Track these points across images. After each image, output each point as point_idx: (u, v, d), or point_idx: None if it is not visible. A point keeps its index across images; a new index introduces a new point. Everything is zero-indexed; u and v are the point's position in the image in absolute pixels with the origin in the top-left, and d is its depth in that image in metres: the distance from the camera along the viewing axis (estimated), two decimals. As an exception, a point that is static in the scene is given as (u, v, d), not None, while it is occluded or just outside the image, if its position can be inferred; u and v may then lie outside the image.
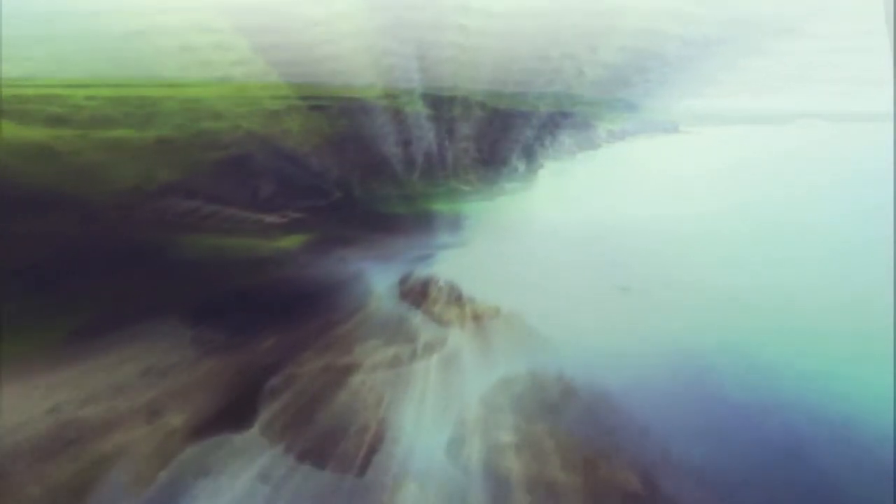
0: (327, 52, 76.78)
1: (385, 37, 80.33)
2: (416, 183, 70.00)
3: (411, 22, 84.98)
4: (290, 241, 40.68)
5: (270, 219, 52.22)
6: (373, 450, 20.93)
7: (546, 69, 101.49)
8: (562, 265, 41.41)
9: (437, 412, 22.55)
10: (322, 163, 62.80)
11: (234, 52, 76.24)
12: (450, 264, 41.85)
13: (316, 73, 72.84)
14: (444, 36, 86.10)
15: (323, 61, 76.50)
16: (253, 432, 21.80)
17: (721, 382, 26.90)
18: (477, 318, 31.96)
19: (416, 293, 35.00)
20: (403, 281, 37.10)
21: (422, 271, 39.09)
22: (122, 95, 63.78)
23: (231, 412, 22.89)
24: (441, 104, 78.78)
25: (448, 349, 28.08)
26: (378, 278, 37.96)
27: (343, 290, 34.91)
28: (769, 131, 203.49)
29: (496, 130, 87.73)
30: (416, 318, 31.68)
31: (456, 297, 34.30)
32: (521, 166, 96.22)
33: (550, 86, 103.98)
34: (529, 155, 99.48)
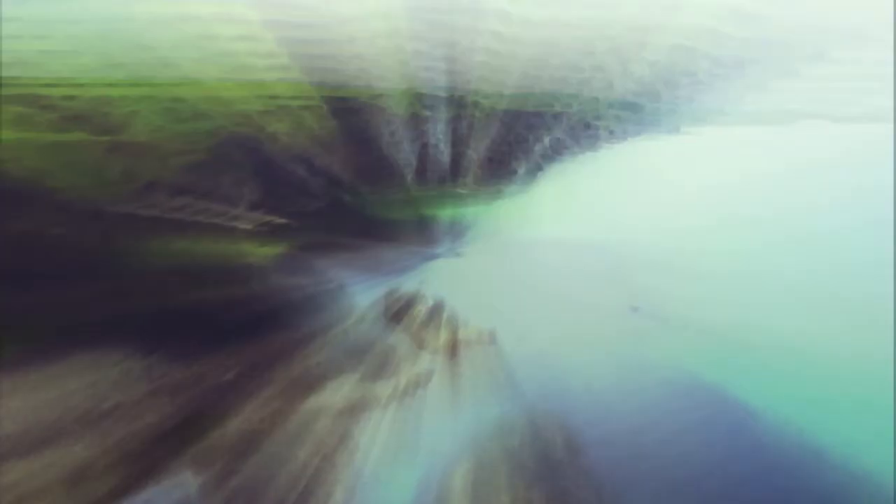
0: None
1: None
2: (410, 186, 66.07)
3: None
4: (267, 251, 36.77)
5: (247, 226, 48.38)
6: (337, 522, 17.10)
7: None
8: (564, 280, 37.47)
9: (418, 472, 18.74)
10: (311, 165, 58.94)
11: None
12: (441, 278, 37.91)
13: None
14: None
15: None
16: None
17: (747, 428, 23.00)
18: (469, 344, 28.07)
19: (402, 313, 31.10)
20: (388, 298, 33.17)
21: (409, 286, 35.18)
22: (104, 95, 59.78)
23: (170, 471, 19.05)
24: (437, 104, 74.86)
25: (434, 385, 24.24)
26: (360, 294, 34.05)
27: (320, 308, 31.02)
28: (772, 132, 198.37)
29: (494, 131, 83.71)
30: (400, 345, 27.79)
31: (446, 319, 30.40)
32: (521, 168, 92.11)
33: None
34: (529, 156, 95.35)
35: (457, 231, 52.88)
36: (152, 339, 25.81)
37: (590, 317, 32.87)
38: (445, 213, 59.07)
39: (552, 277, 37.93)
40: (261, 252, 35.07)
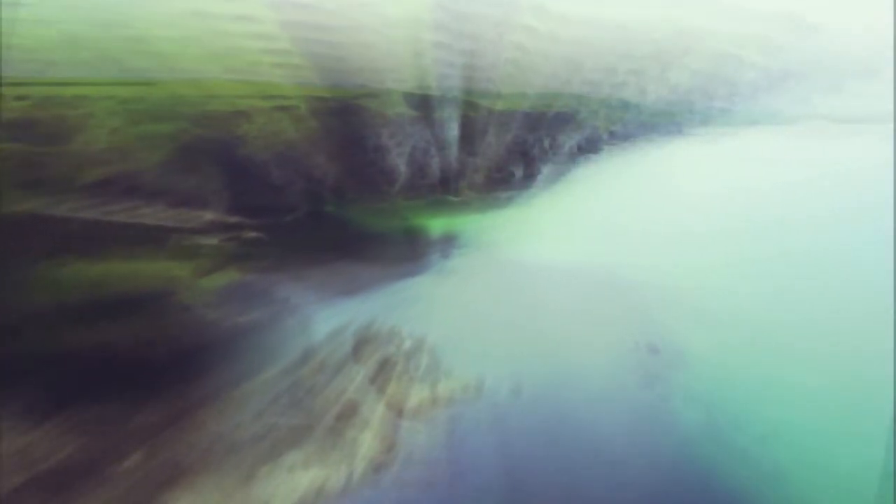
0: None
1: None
2: (398, 194, 60.30)
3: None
4: (217, 279, 30.82)
5: (208, 241, 42.63)
6: None
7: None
8: (567, 311, 31.69)
9: None
10: (285, 172, 53.16)
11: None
12: (423, 307, 32.17)
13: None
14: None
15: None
16: None
17: None
18: (451, 402, 22.35)
19: (371, 357, 25.38)
20: (357, 336, 27.45)
21: (385, 319, 29.44)
22: (58, 94, 54.06)
23: None
24: (427, 105, 69.07)
25: (399, 467, 18.53)
26: (325, 328, 28.31)
27: (274, 353, 25.27)
28: (775, 133, 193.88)
29: (489, 133, 77.99)
30: (365, 402, 22.07)
31: (425, 366, 24.68)
32: (518, 172, 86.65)
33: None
34: (527, 160, 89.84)
35: (447, 247, 47.11)
36: (53, 401, 20.03)
37: (597, 357, 27.16)
38: (437, 225, 53.31)
39: (553, 308, 32.14)
40: (202, 282, 29.12)
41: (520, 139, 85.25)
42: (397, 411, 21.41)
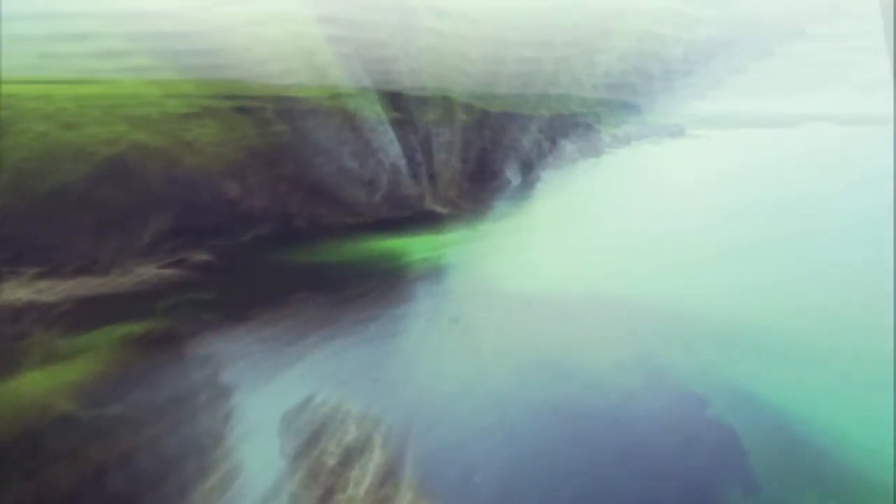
0: (254, 42, 56.55)
1: (334, 24, 59.49)
2: (378, 206, 52.77)
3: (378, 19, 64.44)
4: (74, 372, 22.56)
5: (145, 269, 34.97)
6: None
7: (544, 71, 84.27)
8: (572, 362, 24.21)
9: None
10: (242, 186, 45.47)
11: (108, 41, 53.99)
12: (388, 369, 24.67)
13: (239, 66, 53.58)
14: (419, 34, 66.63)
15: (252, 62, 55.96)
16: None
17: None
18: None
19: (304, 458, 17.90)
20: (289, 420, 19.96)
21: (328, 395, 21.92)
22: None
23: None
24: (415, 106, 61.60)
25: None
26: (249, 406, 20.86)
27: (173, 462, 17.73)
28: (777, 134, 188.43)
29: (484, 137, 70.66)
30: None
31: (377, 473, 17.20)
32: (516, 179, 79.44)
33: (548, 89, 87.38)
34: (525, 165, 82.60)
35: (427, 275, 39.45)
36: None
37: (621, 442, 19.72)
38: (415, 246, 45.66)
39: (554, 349, 24.56)
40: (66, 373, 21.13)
41: (518, 143, 78.13)
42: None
